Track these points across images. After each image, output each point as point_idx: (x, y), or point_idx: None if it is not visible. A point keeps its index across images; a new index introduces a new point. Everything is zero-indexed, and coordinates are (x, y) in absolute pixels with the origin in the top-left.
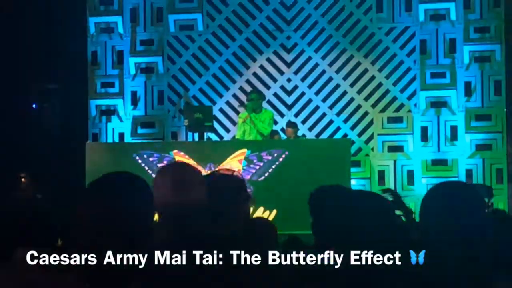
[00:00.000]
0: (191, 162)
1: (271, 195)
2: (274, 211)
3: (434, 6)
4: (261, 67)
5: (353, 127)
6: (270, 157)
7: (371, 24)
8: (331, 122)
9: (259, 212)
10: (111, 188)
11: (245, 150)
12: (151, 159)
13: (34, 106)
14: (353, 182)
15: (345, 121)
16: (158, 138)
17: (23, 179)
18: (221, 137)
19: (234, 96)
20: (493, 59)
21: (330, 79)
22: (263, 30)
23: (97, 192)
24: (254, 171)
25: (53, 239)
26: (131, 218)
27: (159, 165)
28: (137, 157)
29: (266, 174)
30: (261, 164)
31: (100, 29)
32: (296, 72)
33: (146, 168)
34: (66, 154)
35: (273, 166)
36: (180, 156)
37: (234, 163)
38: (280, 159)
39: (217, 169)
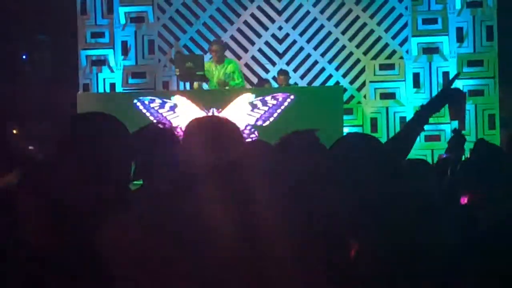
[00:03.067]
0: (193, 106)
1: (277, 139)
2: None
3: None
4: (252, 15)
5: (344, 75)
6: (275, 102)
7: None
8: (323, 69)
9: None
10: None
11: (249, 94)
12: (152, 105)
13: (24, 57)
14: (345, 129)
15: (337, 68)
16: (149, 88)
17: (14, 131)
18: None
19: (225, 45)
20: (485, 4)
21: (321, 27)
22: None
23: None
24: (258, 115)
25: None
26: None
27: (161, 110)
28: (138, 103)
29: (271, 119)
30: (266, 108)
31: None
32: (287, 20)
33: (148, 114)
34: (57, 105)
35: (278, 111)
36: (182, 101)
37: (237, 107)
38: (286, 104)
39: (220, 114)
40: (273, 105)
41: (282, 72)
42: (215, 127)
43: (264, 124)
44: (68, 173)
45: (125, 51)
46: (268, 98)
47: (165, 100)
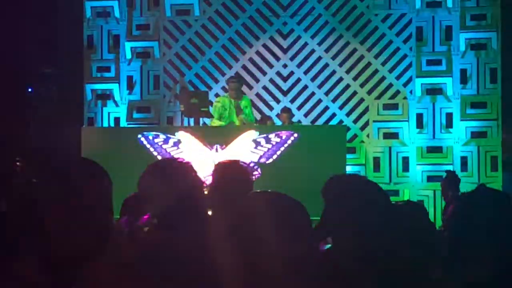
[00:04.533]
0: (197, 142)
1: (278, 178)
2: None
3: None
4: (257, 52)
5: (348, 114)
6: (278, 139)
7: (368, 10)
8: (326, 108)
9: None
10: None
11: (253, 131)
12: (156, 140)
13: (30, 90)
14: (348, 168)
15: (341, 107)
16: (153, 123)
17: (18, 164)
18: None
19: None
20: (489, 46)
21: (326, 65)
22: (260, 15)
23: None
24: (262, 153)
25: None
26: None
27: (164, 146)
28: (142, 138)
29: (275, 157)
30: (269, 146)
31: (97, 13)
32: (292, 58)
33: (151, 149)
34: (62, 138)
35: (282, 148)
36: (186, 137)
37: (241, 144)
38: (289, 142)
39: (224, 150)
40: (277, 143)
41: (285, 110)
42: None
43: (267, 162)
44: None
45: (130, 85)
46: (271, 136)
47: (169, 135)
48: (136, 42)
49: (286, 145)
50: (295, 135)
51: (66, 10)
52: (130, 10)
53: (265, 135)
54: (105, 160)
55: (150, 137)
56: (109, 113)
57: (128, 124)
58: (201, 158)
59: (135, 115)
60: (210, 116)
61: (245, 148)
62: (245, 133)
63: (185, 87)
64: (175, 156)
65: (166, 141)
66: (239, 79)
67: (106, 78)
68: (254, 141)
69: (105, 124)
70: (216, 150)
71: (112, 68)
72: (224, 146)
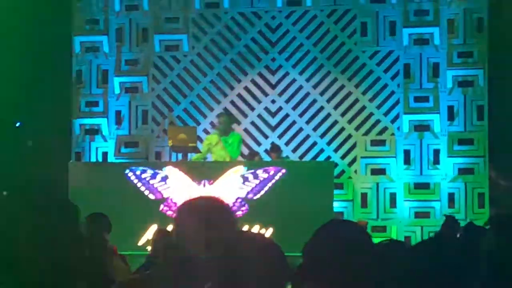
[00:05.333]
0: (185, 177)
1: (265, 214)
2: (271, 229)
3: (418, 30)
4: (246, 88)
5: (336, 150)
6: (266, 175)
7: (355, 47)
8: (314, 144)
9: (255, 230)
10: None
11: (241, 166)
12: (144, 175)
13: (18, 124)
14: (335, 204)
15: (329, 143)
16: (142, 158)
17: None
18: (204, 158)
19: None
20: (476, 84)
21: (314, 101)
22: (248, 51)
23: None
24: (249, 188)
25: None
26: None
27: (152, 181)
28: (130, 173)
29: (262, 192)
30: (257, 182)
31: (86, 48)
32: (280, 94)
33: (139, 185)
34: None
35: (269, 184)
36: (174, 172)
37: (229, 180)
38: (277, 177)
39: (211, 186)
40: (264, 178)
41: (275, 149)
42: (206, 209)
43: (254, 198)
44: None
45: (118, 120)
46: (259, 172)
47: (156, 171)
48: (125, 77)
49: (273, 180)
50: (283, 170)
51: (55, 45)
52: (119, 45)
53: (253, 170)
54: (92, 196)
55: (138, 172)
56: (97, 148)
57: (116, 159)
58: (188, 194)
59: (123, 150)
60: (198, 151)
61: (233, 184)
62: (233, 168)
63: (174, 122)
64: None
65: (153, 176)
66: (228, 114)
67: (95, 112)
68: (242, 176)
69: (93, 159)
70: (204, 185)
71: (100, 102)
72: (212, 181)
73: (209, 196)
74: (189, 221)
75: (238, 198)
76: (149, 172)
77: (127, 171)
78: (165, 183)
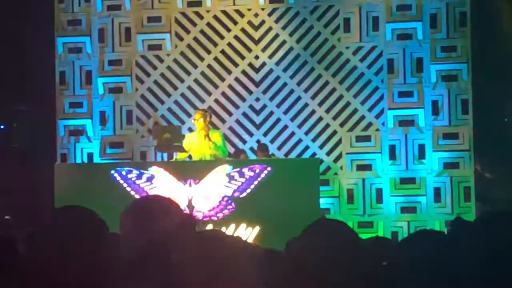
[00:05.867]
0: (171, 177)
1: (252, 212)
2: (257, 227)
3: (401, 25)
4: (230, 86)
5: (321, 146)
6: (252, 173)
7: (339, 43)
8: (299, 141)
9: (242, 229)
10: None
11: (226, 165)
12: (130, 175)
13: (2, 127)
14: (322, 201)
15: (314, 140)
16: (127, 158)
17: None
18: (189, 157)
19: None
20: (460, 78)
21: (298, 98)
22: (232, 49)
23: None
24: (236, 187)
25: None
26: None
27: (138, 181)
28: (116, 173)
29: (249, 190)
30: (243, 180)
31: (68, 49)
32: (264, 92)
33: (125, 185)
34: (35, 175)
35: (255, 182)
36: (159, 172)
37: (215, 179)
38: (263, 175)
39: (197, 185)
40: (250, 176)
41: (262, 148)
42: (145, 208)
43: (241, 196)
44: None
45: (103, 121)
46: (245, 170)
47: (142, 171)
48: (108, 77)
49: (259, 178)
50: (269, 168)
51: (37, 47)
52: (102, 46)
53: (238, 169)
54: (78, 197)
55: (123, 173)
56: (82, 149)
57: (101, 159)
58: (175, 193)
59: (108, 151)
60: (183, 150)
61: (219, 183)
62: (219, 167)
63: (158, 122)
64: (149, 192)
65: (139, 176)
66: (205, 110)
67: (79, 114)
68: (228, 175)
69: (78, 160)
70: (190, 185)
71: (84, 103)
72: (197, 180)
73: (153, 196)
74: (127, 221)
75: (224, 196)
76: (135, 172)
77: (112, 171)
78: (151, 183)
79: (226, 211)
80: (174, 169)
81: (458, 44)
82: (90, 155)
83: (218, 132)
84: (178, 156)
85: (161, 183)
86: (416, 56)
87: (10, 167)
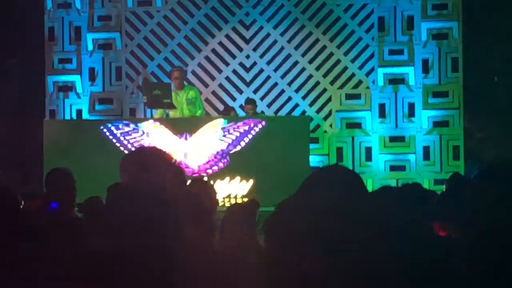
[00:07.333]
0: (167, 131)
1: (247, 164)
2: (251, 181)
3: None
4: (220, 43)
5: (311, 104)
6: (246, 127)
7: (330, 0)
8: (289, 98)
9: (236, 181)
10: None
11: (221, 119)
12: (119, 131)
13: None
14: (311, 158)
15: (304, 97)
16: (116, 115)
17: None
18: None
19: (193, 72)
20: (451, 36)
21: (288, 56)
22: (222, 6)
23: None
24: (230, 141)
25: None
26: None
27: (128, 137)
28: (105, 129)
29: (243, 144)
30: (237, 134)
31: (58, 4)
32: (255, 49)
33: (114, 141)
34: (24, 131)
35: (249, 136)
36: (154, 127)
37: (209, 132)
38: (256, 129)
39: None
40: (245, 130)
41: (250, 101)
42: (144, 157)
43: (235, 150)
44: None
45: (92, 77)
46: (239, 124)
47: (135, 127)
48: (98, 33)
49: (253, 132)
50: (263, 122)
51: (26, 2)
52: (91, 1)
53: (233, 123)
54: (67, 153)
55: (113, 128)
56: (71, 105)
57: (90, 116)
58: (171, 147)
59: (97, 107)
60: (173, 107)
61: (214, 136)
62: (213, 121)
63: (148, 79)
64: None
65: (132, 132)
66: (180, 68)
67: (68, 70)
68: (223, 129)
69: (67, 117)
70: (186, 138)
71: (73, 60)
72: (191, 134)
73: (150, 146)
74: (128, 168)
75: (219, 150)
76: (126, 128)
77: (102, 127)
78: (144, 138)
79: (221, 165)
80: (168, 125)
81: (449, 2)
82: (79, 111)
83: (194, 89)
84: (156, 115)
85: (157, 137)
86: (407, 14)
87: None
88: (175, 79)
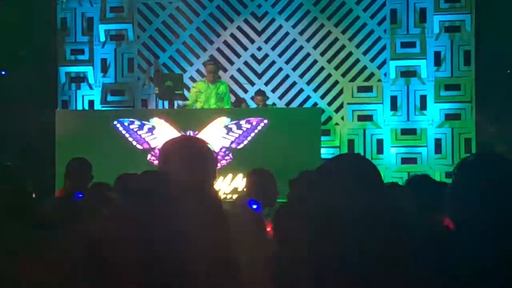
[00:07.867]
0: (171, 128)
1: (250, 162)
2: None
3: None
4: (232, 35)
5: (323, 96)
6: (249, 125)
7: None
8: (301, 91)
9: (239, 179)
10: None
11: (224, 117)
12: (132, 126)
13: (3, 73)
14: (323, 151)
15: (315, 90)
16: (128, 106)
17: None
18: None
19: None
20: (463, 29)
21: (300, 48)
22: None
23: None
24: (233, 138)
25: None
26: None
27: (139, 132)
28: (118, 124)
29: (246, 142)
30: (240, 132)
31: None
32: (266, 41)
33: (127, 135)
34: (36, 122)
35: (252, 134)
36: (159, 123)
37: (213, 130)
38: (259, 127)
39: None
40: (247, 128)
41: (259, 93)
42: (189, 148)
43: (238, 147)
44: None
45: (104, 68)
46: (242, 122)
47: (143, 122)
48: (110, 24)
49: (256, 130)
50: (265, 121)
51: None
52: None
53: (236, 121)
54: (79, 143)
55: (126, 123)
56: (83, 96)
57: (102, 107)
58: None
59: (109, 98)
60: (185, 98)
61: (217, 134)
62: (217, 119)
63: (160, 70)
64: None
65: (141, 127)
66: (215, 61)
67: (80, 60)
68: (226, 127)
69: (79, 107)
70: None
71: (86, 50)
72: (196, 131)
73: (193, 137)
74: (174, 158)
75: (222, 147)
76: (137, 123)
77: (115, 122)
78: (152, 133)
79: (224, 162)
80: (174, 120)
81: None
82: (91, 102)
83: (225, 84)
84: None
85: (162, 134)
86: (419, 6)
87: (10, 114)
88: (209, 73)
